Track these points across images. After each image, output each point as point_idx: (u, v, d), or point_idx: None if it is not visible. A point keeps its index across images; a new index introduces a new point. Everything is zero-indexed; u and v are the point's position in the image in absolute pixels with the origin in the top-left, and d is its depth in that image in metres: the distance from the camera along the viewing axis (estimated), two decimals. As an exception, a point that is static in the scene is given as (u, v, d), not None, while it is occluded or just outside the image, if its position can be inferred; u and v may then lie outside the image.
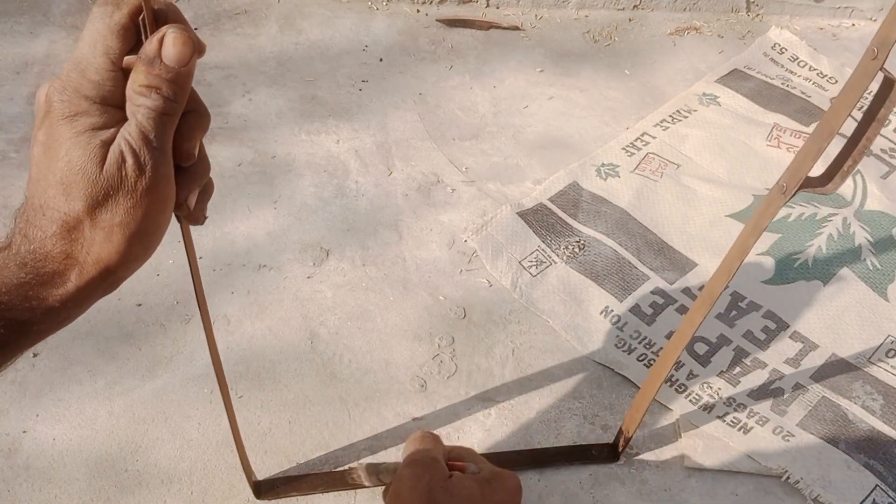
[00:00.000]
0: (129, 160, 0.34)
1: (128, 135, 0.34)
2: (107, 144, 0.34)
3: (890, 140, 1.01)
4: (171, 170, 0.36)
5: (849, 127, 0.41)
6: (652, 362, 0.77)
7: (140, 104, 0.34)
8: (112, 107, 0.34)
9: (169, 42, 0.33)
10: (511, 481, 0.55)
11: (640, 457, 0.71)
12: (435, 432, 0.60)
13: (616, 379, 0.76)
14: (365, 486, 0.67)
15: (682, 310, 0.81)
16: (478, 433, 0.72)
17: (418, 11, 1.22)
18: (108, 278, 0.36)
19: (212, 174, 0.40)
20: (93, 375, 0.74)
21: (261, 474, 0.68)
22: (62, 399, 0.72)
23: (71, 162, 0.33)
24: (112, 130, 0.34)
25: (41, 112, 0.34)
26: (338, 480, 0.67)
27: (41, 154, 0.35)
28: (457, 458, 0.56)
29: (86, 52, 0.33)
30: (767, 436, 0.71)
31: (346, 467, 0.69)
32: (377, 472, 0.59)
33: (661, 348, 0.78)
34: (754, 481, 0.69)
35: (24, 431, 0.70)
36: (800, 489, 0.67)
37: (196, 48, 0.34)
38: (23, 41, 1.08)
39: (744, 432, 0.72)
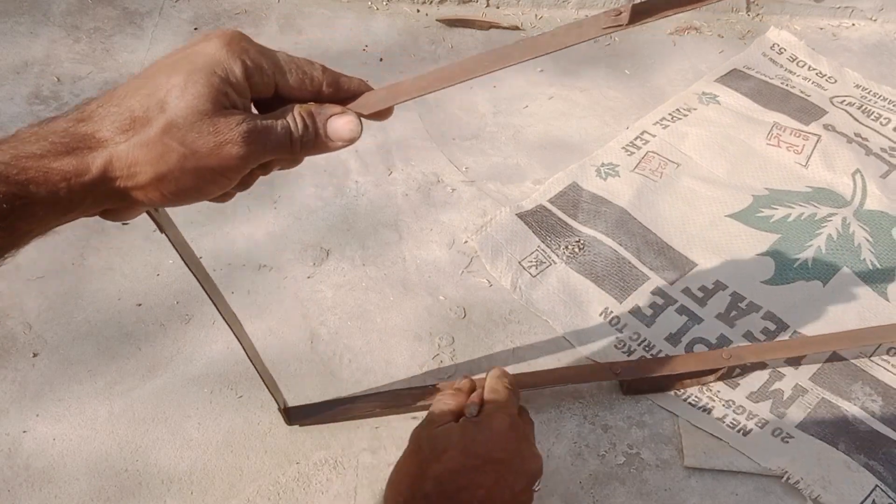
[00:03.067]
0: (246, 127, 0.37)
1: (276, 123, 0.38)
2: (222, 109, 0.36)
3: (889, 139, 1.01)
4: (249, 168, 0.39)
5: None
6: None
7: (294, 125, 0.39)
8: (249, 101, 0.38)
9: (341, 124, 0.40)
10: (498, 422, 0.55)
11: (641, 457, 0.71)
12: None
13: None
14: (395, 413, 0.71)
15: (682, 311, 0.81)
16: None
17: (418, 11, 1.22)
18: (126, 186, 0.37)
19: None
20: (93, 375, 0.74)
21: (261, 474, 0.68)
22: (62, 399, 0.72)
23: (190, 88, 0.36)
24: (233, 110, 0.37)
25: (213, 45, 0.37)
26: (367, 409, 0.71)
27: (166, 65, 0.37)
28: (482, 395, 0.60)
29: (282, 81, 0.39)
30: (767, 438, 0.71)
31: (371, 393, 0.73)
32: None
33: (661, 350, 0.78)
34: (754, 481, 0.69)
35: (24, 431, 0.70)
36: (800, 489, 0.67)
37: (354, 137, 0.40)
38: (23, 41, 1.08)
39: (743, 434, 0.71)
